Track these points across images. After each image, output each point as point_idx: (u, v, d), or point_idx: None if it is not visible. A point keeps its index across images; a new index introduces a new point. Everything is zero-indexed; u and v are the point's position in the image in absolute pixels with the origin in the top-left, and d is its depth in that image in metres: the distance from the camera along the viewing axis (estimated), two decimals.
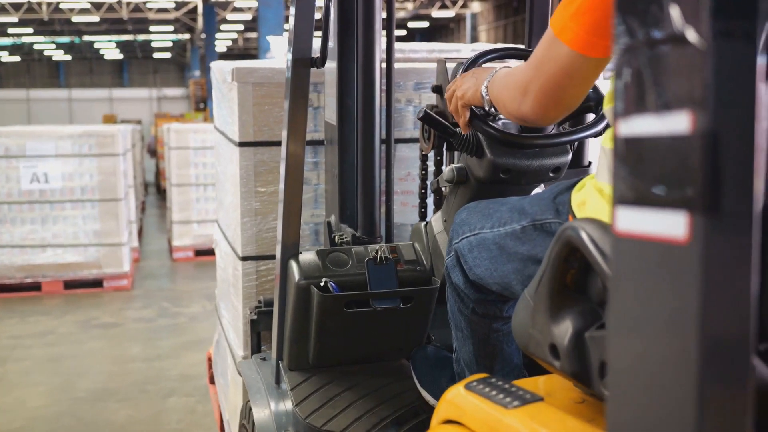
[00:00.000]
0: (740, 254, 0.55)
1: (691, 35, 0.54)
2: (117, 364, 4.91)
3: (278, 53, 3.26)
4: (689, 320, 0.55)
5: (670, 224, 0.56)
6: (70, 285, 6.77)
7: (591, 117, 1.83)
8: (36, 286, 6.73)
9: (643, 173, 0.58)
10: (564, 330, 1.08)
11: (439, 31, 32.67)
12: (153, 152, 16.00)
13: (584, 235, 1.01)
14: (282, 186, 2.09)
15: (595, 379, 1.02)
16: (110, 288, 6.85)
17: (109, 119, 26.88)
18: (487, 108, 1.55)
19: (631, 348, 0.61)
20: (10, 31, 32.13)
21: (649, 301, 0.59)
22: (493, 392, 1.15)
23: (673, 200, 0.56)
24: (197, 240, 8.28)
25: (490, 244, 1.52)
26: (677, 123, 0.55)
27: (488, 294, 1.62)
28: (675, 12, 0.54)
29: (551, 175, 1.86)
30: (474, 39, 26.06)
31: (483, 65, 1.97)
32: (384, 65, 2.36)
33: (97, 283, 6.84)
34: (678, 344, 0.56)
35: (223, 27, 28.60)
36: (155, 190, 15.50)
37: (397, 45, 2.84)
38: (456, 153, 2.09)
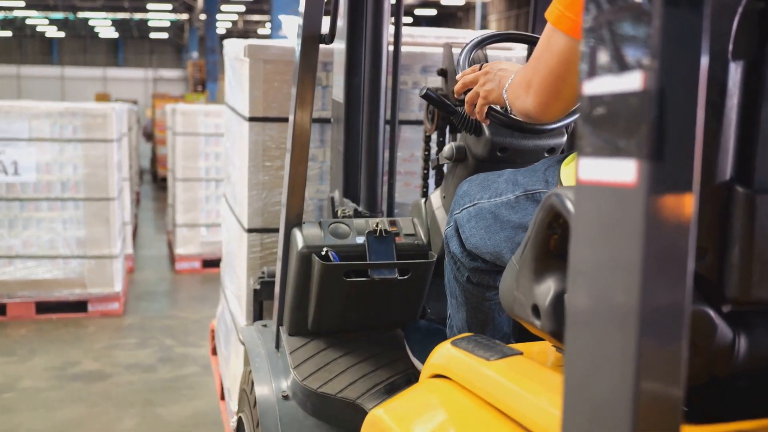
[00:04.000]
0: (681, 198, 0.63)
1: (644, 3, 0.62)
2: None
3: (289, 32, 3.34)
4: (633, 260, 0.63)
5: (622, 171, 0.64)
6: (43, 308, 5.25)
7: None
8: None
9: (602, 127, 0.66)
10: (545, 291, 1.16)
11: (447, 20, 32.55)
12: (149, 136, 14.90)
13: (567, 201, 1.08)
14: (288, 156, 2.17)
15: None
16: (96, 313, 5.33)
17: (102, 98, 24.87)
18: (509, 110, 1.61)
19: (585, 291, 0.69)
20: (1, 4, 31.28)
21: (602, 243, 0.67)
22: (477, 348, 1.24)
23: (625, 149, 0.64)
24: (205, 248, 6.83)
25: (486, 213, 1.60)
26: (631, 82, 0.63)
27: (483, 263, 1.70)
28: None
29: (546, 155, 1.94)
30: (483, 28, 25.97)
31: (487, 50, 2.04)
32: (391, 47, 2.44)
33: (79, 306, 5.33)
34: (622, 283, 0.64)
35: (223, 8, 28.30)
36: (151, 179, 13.98)
37: (406, 29, 2.92)
38: (458, 133, 2.17)
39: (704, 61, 0.62)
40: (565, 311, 1.09)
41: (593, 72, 0.67)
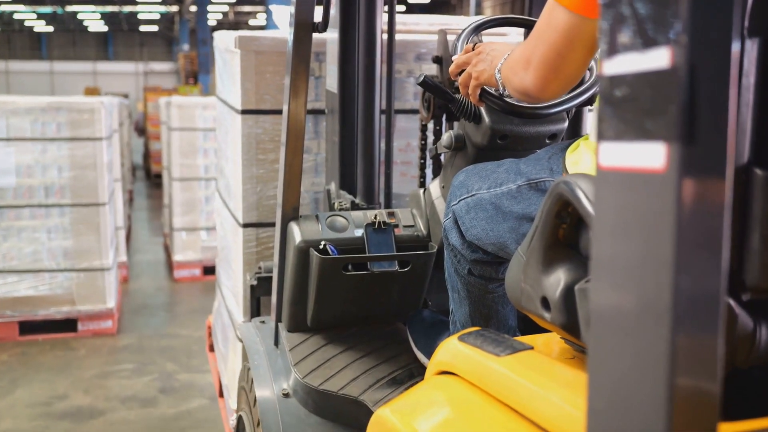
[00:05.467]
0: (715, 182, 0.58)
1: None
2: None
3: (281, 22, 3.29)
4: (665, 250, 0.59)
5: (649, 155, 0.59)
6: (28, 328, 4.70)
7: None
8: None
9: (625, 109, 0.62)
10: (555, 283, 1.11)
11: (441, 7, 32.33)
12: (141, 131, 14.44)
13: (577, 189, 1.04)
14: (282, 149, 2.13)
15: (584, 330, 1.05)
16: (87, 332, 4.77)
17: (92, 92, 24.02)
18: (501, 90, 1.57)
19: (612, 285, 0.65)
20: None
21: (629, 234, 0.62)
22: (485, 343, 1.19)
23: (653, 132, 0.59)
24: (206, 254, 6.23)
25: (487, 204, 1.56)
26: (657, 59, 0.59)
27: (484, 254, 1.66)
28: None
29: (547, 141, 1.89)
30: (478, 15, 25.75)
31: (482, 35, 2.00)
32: (385, 36, 2.39)
33: (68, 325, 4.77)
34: (654, 275, 0.60)
35: None
36: (144, 175, 13.40)
37: (400, 17, 2.87)
38: (455, 122, 2.13)
39: (735, 34, 0.58)
40: (578, 305, 1.05)
41: (614, 50, 0.63)
